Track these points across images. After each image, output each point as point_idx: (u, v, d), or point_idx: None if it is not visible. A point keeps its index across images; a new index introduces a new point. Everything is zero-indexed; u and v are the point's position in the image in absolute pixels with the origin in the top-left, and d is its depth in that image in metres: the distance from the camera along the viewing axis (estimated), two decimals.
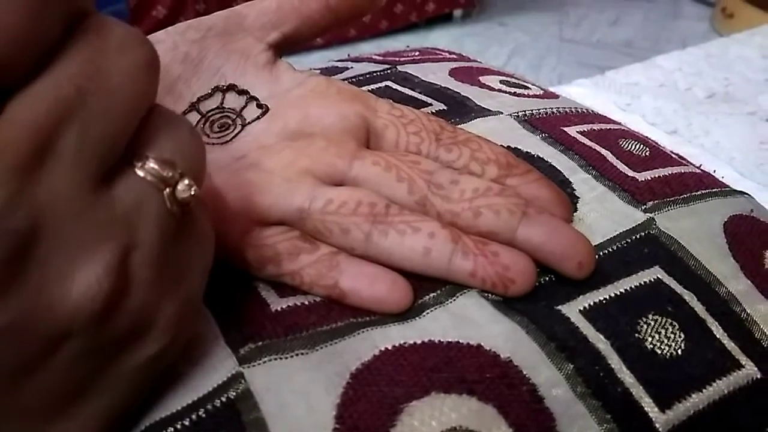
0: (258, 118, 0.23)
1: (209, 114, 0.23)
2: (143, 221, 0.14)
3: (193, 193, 0.15)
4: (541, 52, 1.46)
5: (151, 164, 0.14)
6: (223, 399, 0.17)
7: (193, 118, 0.23)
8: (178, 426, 0.17)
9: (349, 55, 0.39)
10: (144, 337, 0.15)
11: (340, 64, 0.36)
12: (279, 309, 0.20)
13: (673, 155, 0.29)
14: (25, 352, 0.13)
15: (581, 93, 0.55)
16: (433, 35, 1.53)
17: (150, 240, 0.14)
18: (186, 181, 0.15)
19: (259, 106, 0.23)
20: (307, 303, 0.20)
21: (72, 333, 0.13)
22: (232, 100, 0.23)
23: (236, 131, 0.22)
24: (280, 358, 0.18)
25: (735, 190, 0.27)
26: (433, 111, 0.29)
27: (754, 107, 0.55)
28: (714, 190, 0.26)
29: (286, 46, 0.25)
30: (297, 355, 0.18)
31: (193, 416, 0.17)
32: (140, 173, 0.14)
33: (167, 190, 0.14)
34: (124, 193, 0.14)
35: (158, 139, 0.15)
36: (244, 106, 0.23)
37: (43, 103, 0.12)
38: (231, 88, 0.23)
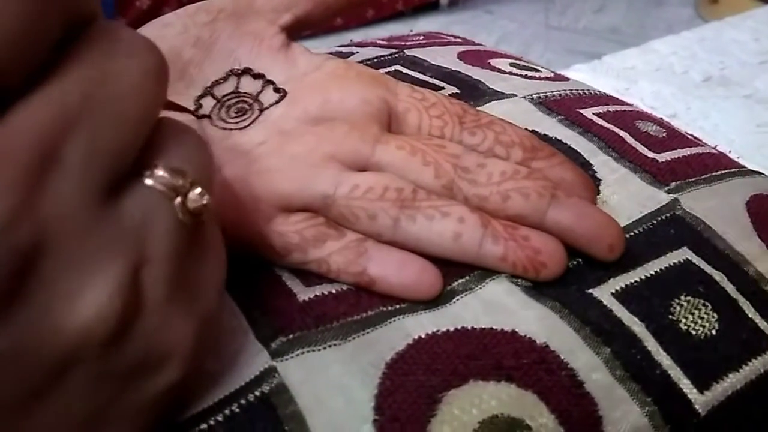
0: (276, 102, 0.22)
1: (225, 99, 0.22)
2: (154, 234, 0.13)
3: (205, 202, 0.14)
4: (528, 39, 1.45)
5: (161, 173, 0.13)
6: (257, 393, 0.17)
7: (208, 103, 0.22)
8: (212, 422, 0.16)
9: (352, 41, 0.38)
10: (163, 364, 0.14)
11: (344, 50, 0.35)
12: (306, 299, 0.19)
13: (689, 136, 0.28)
14: (30, 379, 0.12)
15: (579, 78, 0.55)
16: (419, 24, 1.53)
17: (162, 254, 0.13)
18: (197, 190, 0.14)
19: (277, 90, 0.22)
20: (334, 292, 0.19)
21: (82, 358, 0.12)
22: (248, 84, 0.23)
23: (254, 116, 0.22)
24: (313, 351, 0.17)
25: (752, 170, 0.27)
26: (446, 95, 0.28)
27: (750, 90, 0.55)
28: (733, 170, 0.26)
29: (298, 30, 0.24)
30: (330, 346, 0.18)
31: (227, 411, 0.16)
32: (149, 183, 0.13)
33: (178, 199, 0.14)
34: (133, 205, 0.13)
35: (166, 147, 0.14)
36: (261, 91, 0.22)
37: (48, 110, 0.11)
38: (246, 71, 0.23)
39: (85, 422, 0.13)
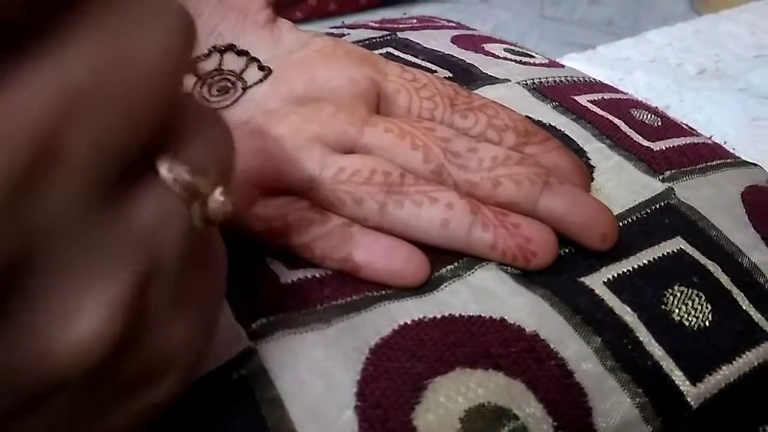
0: (260, 81, 0.21)
1: (207, 76, 0.21)
2: (165, 242, 0.11)
3: (227, 209, 0.12)
4: (523, 29, 1.44)
5: (181, 172, 0.11)
6: (234, 376, 0.16)
7: (189, 80, 0.21)
8: (186, 404, 0.15)
9: (343, 23, 0.37)
10: (160, 380, 0.12)
11: (335, 31, 0.34)
12: (290, 282, 0.18)
13: (684, 125, 0.28)
14: (4, 405, 0.10)
15: (574, 68, 0.54)
16: (414, 11, 1.51)
17: (171, 265, 0.11)
18: (218, 196, 0.12)
19: (261, 68, 0.22)
20: (318, 276, 0.19)
21: (70, 383, 0.10)
22: (231, 62, 0.22)
23: (237, 95, 0.21)
24: (295, 333, 0.17)
25: (747, 162, 0.26)
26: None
27: (745, 84, 0.55)
28: (728, 160, 0.26)
29: (284, 5, 0.24)
30: (312, 330, 0.17)
31: (202, 394, 0.16)
32: (167, 182, 0.11)
33: (196, 204, 0.11)
34: (144, 206, 0.11)
35: (187, 136, 0.11)
36: (245, 68, 0.22)
37: (48, 93, 0.09)
38: (230, 48, 0.22)
39: None
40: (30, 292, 0.10)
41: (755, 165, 0.26)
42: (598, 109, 0.26)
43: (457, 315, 0.18)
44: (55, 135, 0.09)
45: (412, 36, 0.32)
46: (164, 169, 0.11)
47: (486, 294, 0.19)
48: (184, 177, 0.11)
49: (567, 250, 0.20)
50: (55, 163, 0.09)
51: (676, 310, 0.19)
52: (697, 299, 0.19)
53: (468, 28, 0.36)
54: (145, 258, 0.11)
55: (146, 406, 0.12)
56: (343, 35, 0.33)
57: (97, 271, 0.10)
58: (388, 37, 0.32)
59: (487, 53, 0.31)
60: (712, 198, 0.23)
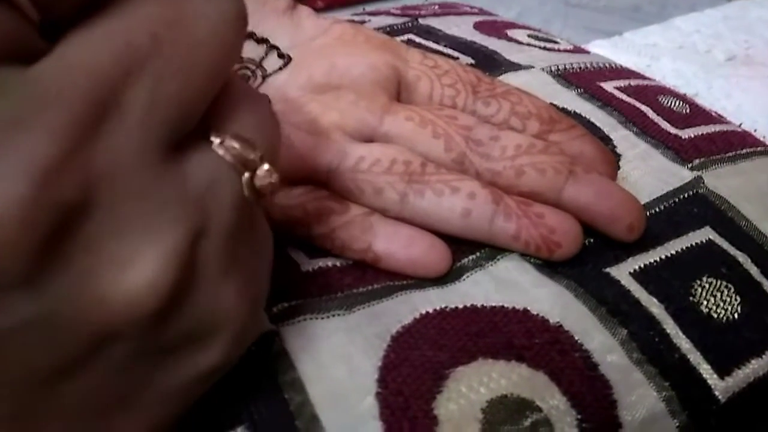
0: (280, 68, 0.21)
1: None
2: (216, 206, 0.12)
3: (273, 180, 0.13)
4: (547, 16, 1.41)
5: (232, 142, 0.12)
6: (257, 358, 0.16)
7: None
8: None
9: (364, 9, 0.37)
10: (208, 343, 0.12)
11: (356, 18, 0.34)
12: (310, 270, 0.18)
13: (713, 113, 0.27)
14: (60, 353, 0.10)
15: (600, 54, 0.53)
16: None
17: (221, 229, 0.12)
18: (266, 167, 0.12)
19: (281, 55, 0.21)
20: (339, 264, 0.19)
21: (123, 333, 0.11)
22: (251, 50, 0.22)
23: (257, 83, 0.21)
24: (316, 318, 0.17)
25: None
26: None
27: None
28: (758, 149, 0.25)
29: None
30: (333, 315, 0.17)
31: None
32: (219, 150, 0.12)
33: (246, 174, 0.12)
34: (198, 170, 0.11)
35: (238, 113, 0.12)
36: (264, 56, 0.21)
37: (109, 48, 0.10)
38: (249, 36, 0.22)
39: (113, 404, 0.12)
40: (88, 237, 0.10)
41: None
42: (625, 96, 0.26)
43: (479, 305, 0.18)
44: (116, 87, 0.10)
45: (434, 22, 0.32)
46: (216, 139, 0.12)
47: (509, 284, 0.18)
48: (234, 147, 0.12)
49: (592, 240, 0.20)
50: (116, 114, 0.10)
51: (705, 302, 0.18)
52: (725, 291, 0.19)
53: (491, 14, 0.36)
54: (197, 216, 0.11)
55: (195, 373, 0.13)
56: (364, 22, 0.33)
57: (154, 223, 0.11)
58: (410, 24, 0.31)
59: (511, 39, 0.30)
60: (741, 187, 0.22)
